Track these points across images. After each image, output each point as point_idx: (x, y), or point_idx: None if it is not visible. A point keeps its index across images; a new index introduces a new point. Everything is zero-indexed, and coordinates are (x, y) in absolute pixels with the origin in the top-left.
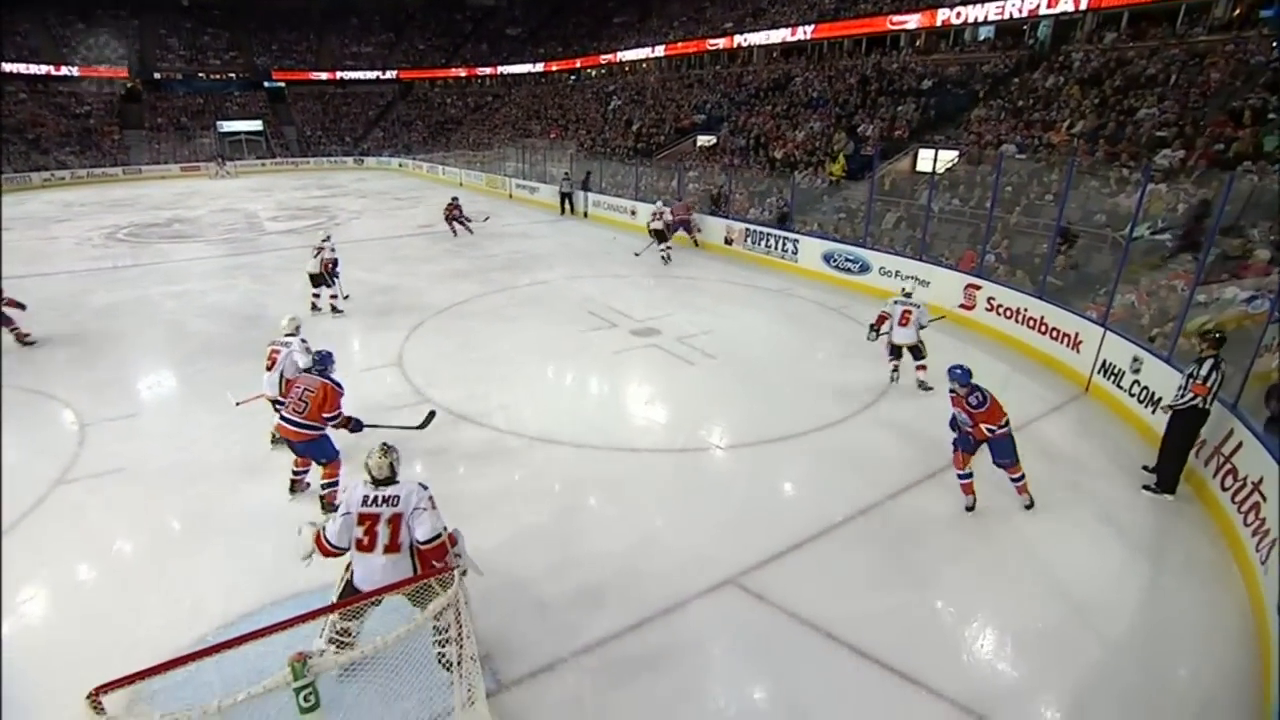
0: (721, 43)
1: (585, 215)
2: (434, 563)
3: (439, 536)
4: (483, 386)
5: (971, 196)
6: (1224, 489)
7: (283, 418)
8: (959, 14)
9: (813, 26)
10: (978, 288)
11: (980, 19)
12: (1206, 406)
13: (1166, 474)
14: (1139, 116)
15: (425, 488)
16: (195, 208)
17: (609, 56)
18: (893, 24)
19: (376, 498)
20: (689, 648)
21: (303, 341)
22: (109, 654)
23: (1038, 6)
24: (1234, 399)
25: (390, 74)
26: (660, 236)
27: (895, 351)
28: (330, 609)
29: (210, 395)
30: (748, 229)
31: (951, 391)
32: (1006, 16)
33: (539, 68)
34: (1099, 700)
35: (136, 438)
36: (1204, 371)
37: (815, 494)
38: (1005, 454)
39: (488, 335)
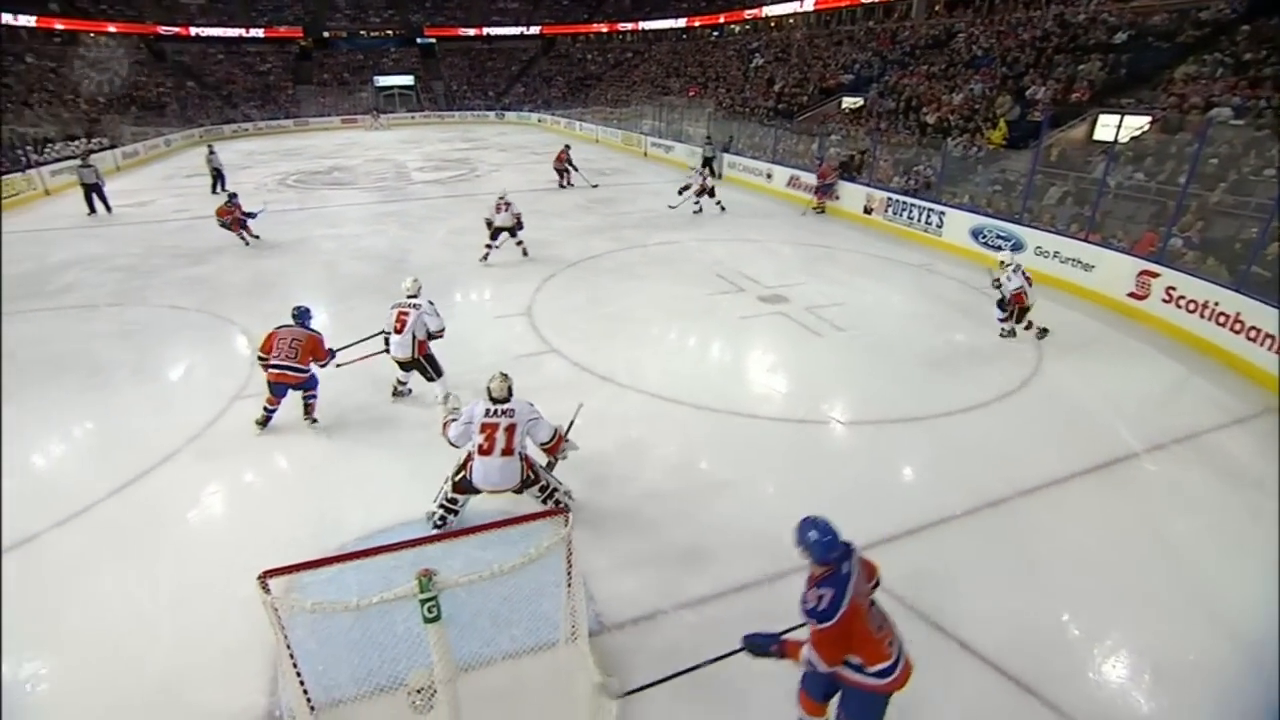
0: None
1: (719, 176)
2: (552, 457)
3: (555, 435)
4: (607, 342)
5: (1161, 170)
6: None
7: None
8: None
9: None
10: (1154, 275)
11: None
12: None
13: None
14: None
15: (533, 405)
16: (353, 157)
17: (754, 11)
18: None
19: (496, 410)
20: (788, 619)
21: (430, 303)
22: (269, 548)
23: None
24: None
25: (534, 29)
26: (510, 233)
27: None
28: (457, 533)
29: (360, 331)
30: (889, 198)
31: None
32: None
33: (681, 23)
34: None
35: None
36: None
37: (936, 480)
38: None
39: (616, 291)
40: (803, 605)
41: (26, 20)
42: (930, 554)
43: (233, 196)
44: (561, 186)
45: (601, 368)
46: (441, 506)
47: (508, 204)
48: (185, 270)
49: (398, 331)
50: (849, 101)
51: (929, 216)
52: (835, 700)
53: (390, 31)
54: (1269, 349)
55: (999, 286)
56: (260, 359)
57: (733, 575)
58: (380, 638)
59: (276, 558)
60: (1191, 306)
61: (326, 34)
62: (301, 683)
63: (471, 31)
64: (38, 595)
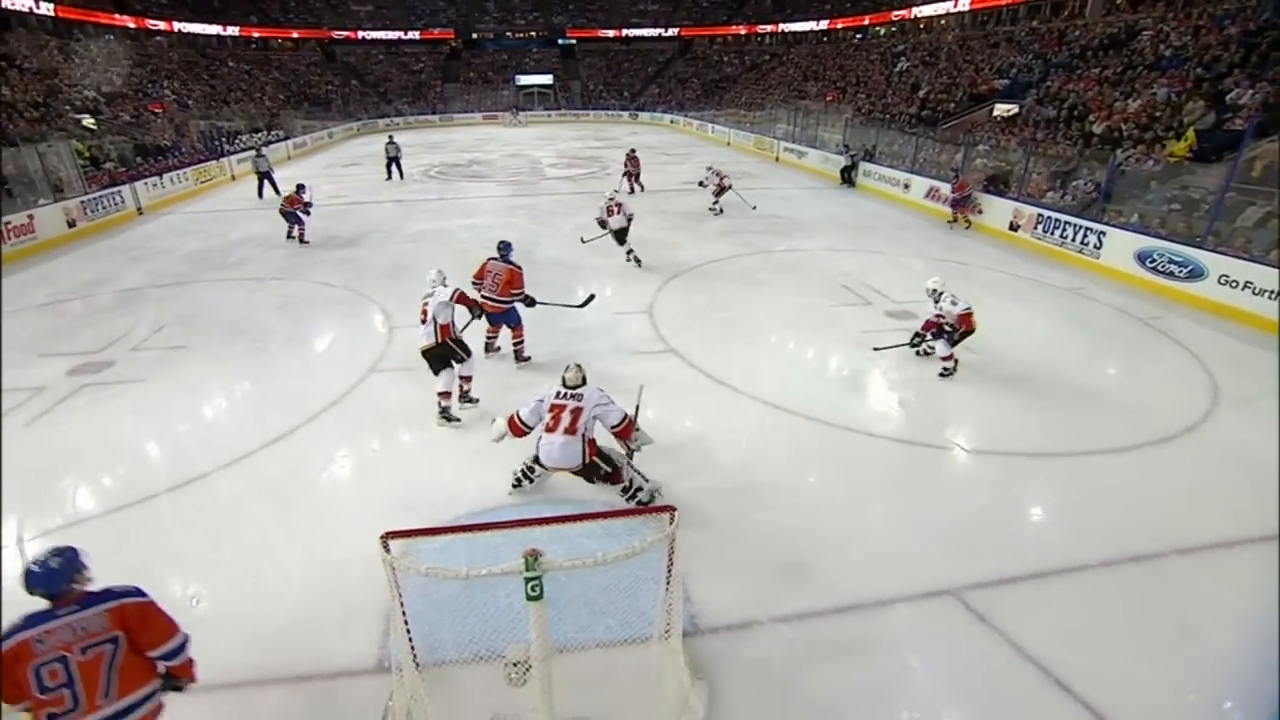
0: None
1: (853, 185)
2: (625, 443)
3: (624, 420)
4: (724, 345)
5: None
6: None
7: (484, 296)
8: None
9: None
10: None
11: None
12: None
13: None
14: None
15: (603, 390)
16: (490, 152)
17: (902, 12)
18: None
19: (565, 393)
20: (890, 647)
21: (453, 291)
22: (389, 511)
23: None
24: None
25: (672, 31)
26: (619, 238)
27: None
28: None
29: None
30: (1040, 214)
31: None
32: None
33: (823, 24)
34: None
35: None
36: None
37: (1070, 523)
38: None
39: (737, 296)
40: None
41: (233, 30)
42: (1059, 602)
43: (300, 188)
44: (632, 192)
45: (719, 372)
46: (524, 470)
47: (619, 205)
48: (336, 251)
49: (422, 322)
50: (1002, 108)
51: (1085, 236)
52: None
53: (534, 33)
54: None
55: (940, 317)
56: (474, 285)
57: (834, 595)
58: (483, 609)
59: (395, 521)
60: None
61: (475, 35)
62: (410, 639)
63: (610, 33)
64: (202, 528)
